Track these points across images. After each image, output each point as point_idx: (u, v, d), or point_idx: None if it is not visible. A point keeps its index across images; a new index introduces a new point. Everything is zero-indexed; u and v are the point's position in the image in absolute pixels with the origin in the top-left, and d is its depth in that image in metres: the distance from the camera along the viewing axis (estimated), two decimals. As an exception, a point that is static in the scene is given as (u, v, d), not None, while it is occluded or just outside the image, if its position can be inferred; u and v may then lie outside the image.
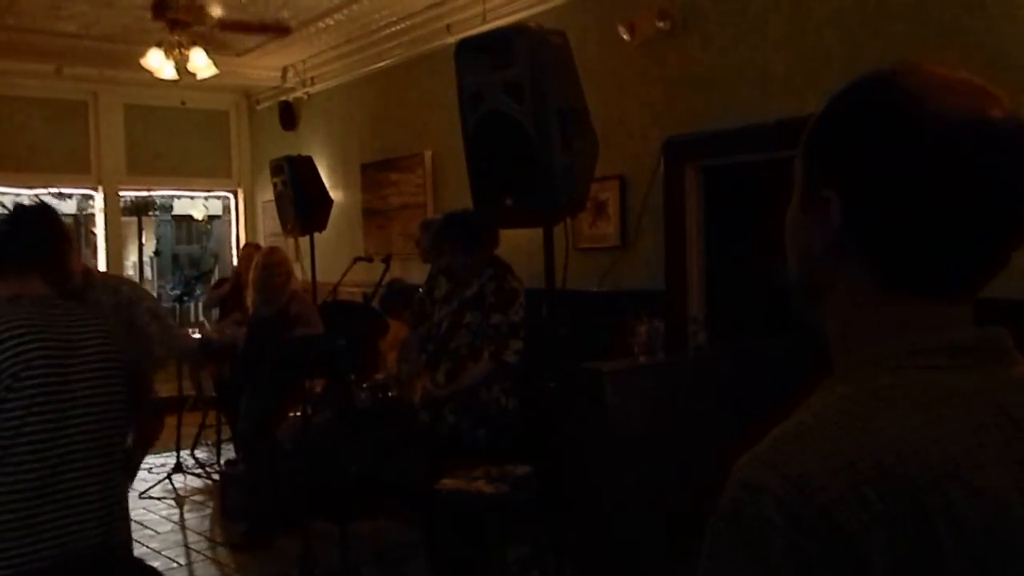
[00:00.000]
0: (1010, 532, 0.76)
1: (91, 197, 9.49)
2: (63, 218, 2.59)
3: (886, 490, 0.73)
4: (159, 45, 6.70)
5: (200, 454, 7.10)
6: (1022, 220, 0.85)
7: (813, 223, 0.88)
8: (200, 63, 6.79)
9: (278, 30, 7.48)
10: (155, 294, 13.59)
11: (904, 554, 0.71)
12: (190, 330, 7.38)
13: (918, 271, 0.84)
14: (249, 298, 5.65)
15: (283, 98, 9.06)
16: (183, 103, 9.26)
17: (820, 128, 0.90)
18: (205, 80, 7.11)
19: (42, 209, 2.87)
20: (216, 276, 9.67)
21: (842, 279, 0.88)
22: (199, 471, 6.85)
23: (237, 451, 6.18)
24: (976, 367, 0.83)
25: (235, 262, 9.84)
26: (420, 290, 4.69)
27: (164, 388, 7.42)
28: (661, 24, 5.14)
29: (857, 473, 0.73)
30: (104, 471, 2.41)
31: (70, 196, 9.84)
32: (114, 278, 4.69)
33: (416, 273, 6.27)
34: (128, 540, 2.57)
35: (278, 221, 5.11)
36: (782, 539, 0.72)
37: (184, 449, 6.88)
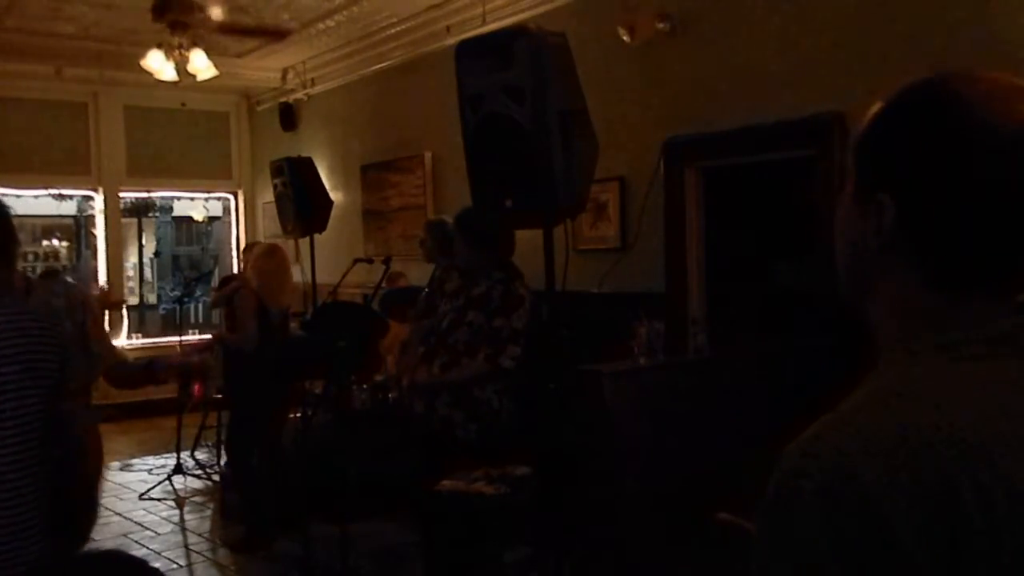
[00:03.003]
0: None
1: (91, 198, 9.49)
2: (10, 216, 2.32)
3: (918, 472, 0.76)
4: (159, 46, 6.70)
5: (200, 455, 7.10)
6: None
7: (865, 221, 0.91)
8: (200, 64, 6.80)
9: (276, 34, 7.49)
10: (155, 296, 13.62)
11: (936, 532, 0.75)
12: (191, 334, 7.31)
13: (965, 271, 0.87)
14: None
15: (283, 99, 9.07)
16: (183, 104, 9.27)
17: (874, 132, 0.92)
18: (205, 81, 7.12)
19: None
20: (216, 277, 9.66)
21: (889, 273, 0.91)
22: (199, 472, 6.86)
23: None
24: (1015, 356, 0.85)
25: (236, 263, 9.85)
26: (425, 290, 4.71)
27: (165, 389, 7.47)
28: (661, 26, 5.15)
29: (891, 457, 0.77)
30: None
31: (70, 197, 9.85)
32: (54, 282, 4.57)
33: (417, 274, 6.27)
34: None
35: (278, 222, 5.12)
36: (822, 521, 0.76)
37: (184, 450, 6.88)
